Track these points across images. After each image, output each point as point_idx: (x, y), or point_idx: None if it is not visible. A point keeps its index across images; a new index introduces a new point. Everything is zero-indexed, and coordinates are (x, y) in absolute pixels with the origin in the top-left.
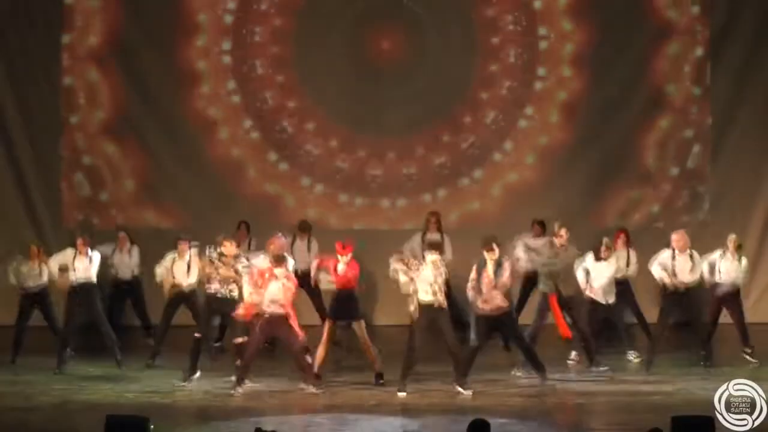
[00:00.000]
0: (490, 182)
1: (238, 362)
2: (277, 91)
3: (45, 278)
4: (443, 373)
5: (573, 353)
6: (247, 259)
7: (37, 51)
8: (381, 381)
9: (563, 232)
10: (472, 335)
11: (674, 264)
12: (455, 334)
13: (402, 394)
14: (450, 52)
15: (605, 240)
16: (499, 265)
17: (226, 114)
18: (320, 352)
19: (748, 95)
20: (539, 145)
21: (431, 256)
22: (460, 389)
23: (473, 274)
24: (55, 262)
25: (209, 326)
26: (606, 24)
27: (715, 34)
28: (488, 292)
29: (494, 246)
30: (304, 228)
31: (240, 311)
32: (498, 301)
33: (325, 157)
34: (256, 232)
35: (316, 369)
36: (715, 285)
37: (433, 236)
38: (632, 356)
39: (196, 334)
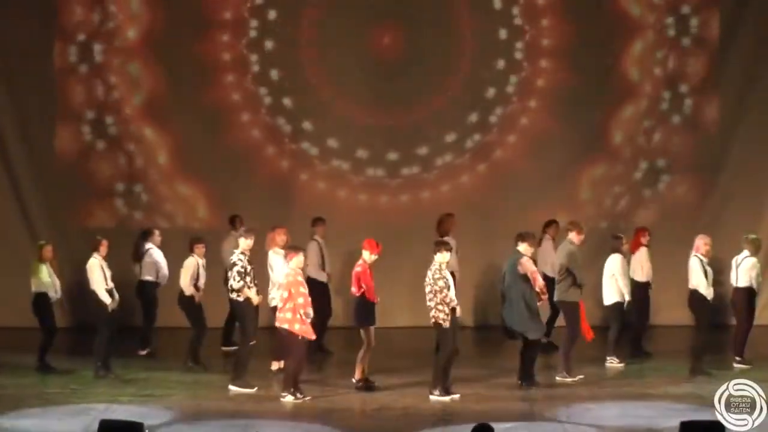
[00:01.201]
0: (488, 178)
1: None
2: (292, 82)
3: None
4: (455, 379)
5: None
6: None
7: (35, 50)
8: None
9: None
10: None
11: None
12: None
13: (457, 396)
14: (441, 48)
15: (623, 239)
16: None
17: (231, 110)
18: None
19: (757, 92)
20: (537, 138)
21: (443, 256)
22: (441, 397)
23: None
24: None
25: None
26: (612, 23)
27: (724, 29)
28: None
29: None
30: (321, 224)
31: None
32: None
33: (333, 151)
34: (270, 222)
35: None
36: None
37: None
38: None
39: (251, 342)
